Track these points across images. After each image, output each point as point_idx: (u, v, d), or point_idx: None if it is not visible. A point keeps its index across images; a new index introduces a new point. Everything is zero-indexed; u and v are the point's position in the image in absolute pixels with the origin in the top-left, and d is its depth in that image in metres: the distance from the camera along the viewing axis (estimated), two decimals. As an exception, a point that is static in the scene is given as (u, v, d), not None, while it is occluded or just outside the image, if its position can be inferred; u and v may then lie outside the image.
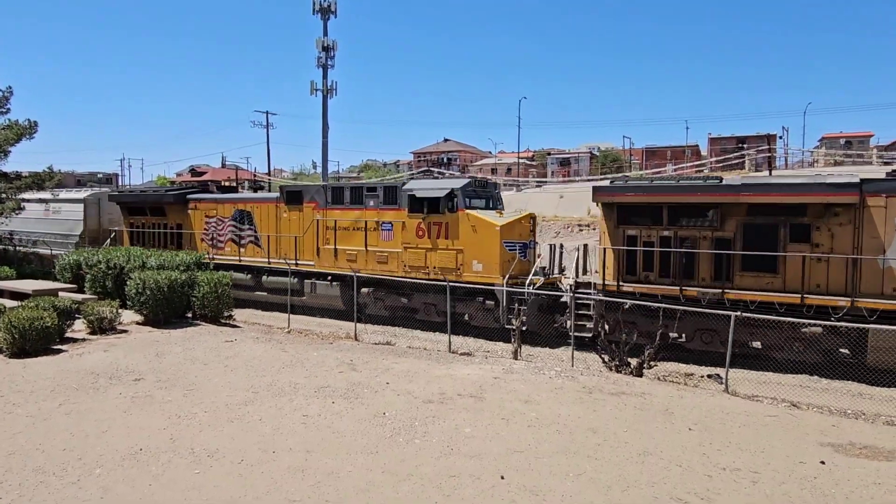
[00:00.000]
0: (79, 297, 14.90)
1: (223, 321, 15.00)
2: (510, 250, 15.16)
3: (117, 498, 5.75)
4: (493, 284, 14.84)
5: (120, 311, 13.70)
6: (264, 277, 18.95)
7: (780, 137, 66.63)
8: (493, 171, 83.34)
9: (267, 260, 19.08)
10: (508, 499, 5.77)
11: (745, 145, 62.80)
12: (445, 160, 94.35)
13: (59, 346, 11.80)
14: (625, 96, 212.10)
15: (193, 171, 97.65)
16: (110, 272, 16.21)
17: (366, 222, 17.07)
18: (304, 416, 8.03)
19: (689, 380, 11.40)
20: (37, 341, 11.20)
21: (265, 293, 19.04)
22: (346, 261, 17.25)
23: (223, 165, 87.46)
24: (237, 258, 19.96)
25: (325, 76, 40.60)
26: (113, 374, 9.94)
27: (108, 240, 23.12)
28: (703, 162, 59.75)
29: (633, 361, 11.08)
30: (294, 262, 17.99)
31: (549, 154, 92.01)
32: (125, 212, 23.18)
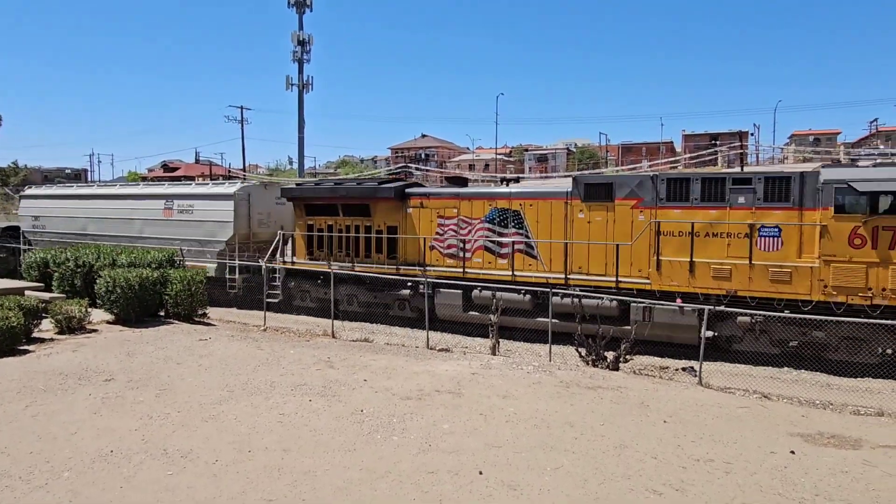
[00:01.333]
0: (46, 295, 14.51)
1: (197, 319, 14.75)
2: None
3: (86, 501, 5.60)
4: None
5: (89, 310, 13.38)
6: (556, 299, 13.13)
7: (752, 134, 68.07)
8: (471, 166, 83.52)
9: (548, 274, 14.37)
10: (486, 494, 5.78)
11: (717, 142, 63.97)
12: (423, 156, 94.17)
13: (25, 347, 11.47)
14: (601, 93, 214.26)
15: (166, 167, 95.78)
16: (79, 270, 15.82)
17: (729, 225, 12.69)
18: (280, 415, 7.93)
19: (664, 373, 11.57)
20: (1, 342, 10.87)
21: (552, 319, 12.91)
22: (712, 277, 12.71)
23: (197, 161, 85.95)
24: (496, 272, 15.13)
25: (300, 71, 40.21)
26: (82, 375, 9.70)
27: (276, 245, 17.93)
28: (678, 158, 60.69)
29: (610, 355, 11.20)
30: (614, 278, 13.62)
31: (526, 150, 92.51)
32: (301, 210, 17.99)
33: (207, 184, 21.36)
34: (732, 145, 53.00)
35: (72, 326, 12.79)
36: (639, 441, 7.17)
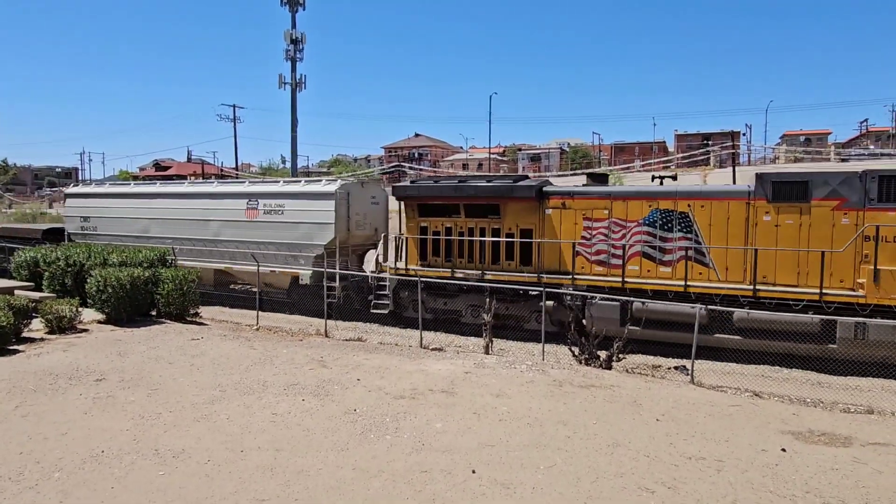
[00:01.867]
0: (36, 295, 14.40)
1: (189, 319, 14.68)
2: None
3: (77, 502, 5.56)
4: None
5: (80, 309, 13.28)
6: (741, 313, 12.10)
7: (744, 134, 68.44)
8: (465, 166, 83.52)
9: (724, 284, 12.90)
10: (480, 493, 5.79)
11: (709, 142, 64.31)
12: (417, 155, 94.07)
13: (15, 347, 11.37)
14: (594, 93, 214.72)
15: (157, 166, 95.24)
16: (70, 269, 15.69)
17: None
18: (273, 415, 7.90)
19: (657, 372, 11.62)
20: (-9, 342, 10.77)
21: (737, 336, 12.43)
22: None
23: (189, 159, 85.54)
24: (657, 281, 13.56)
25: (293, 69, 40.08)
26: (73, 375, 9.62)
27: (386, 249, 16.76)
28: (670, 158, 60.95)
29: (603, 354, 11.23)
30: (811, 290, 12.06)
31: (519, 150, 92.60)
32: (413, 211, 16.33)
33: (299, 181, 18.42)
34: (724, 145, 53.28)
35: (62, 326, 12.69)
36: (631, 439, 7.20)
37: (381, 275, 16.30)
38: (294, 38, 39.81)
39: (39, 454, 6.59)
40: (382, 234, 17.36)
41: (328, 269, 16.10)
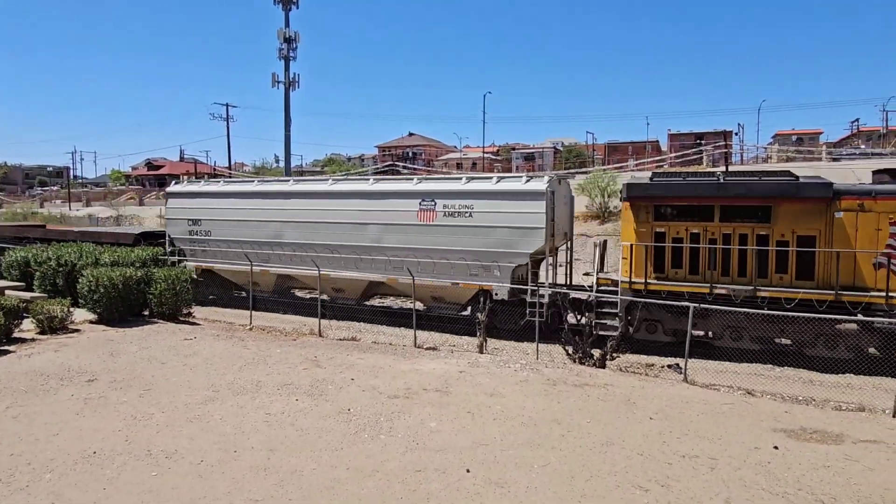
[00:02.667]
0: (27, 295, 14.30)
1: (182, 319, 14.61)
2: None
3: (69, 503, 5.52)
4: None
5: (72, 309, 13.19)
6: None
7: (736, 134, 68.81)
8: (459, 165, 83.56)
9: None
10: (474, 492, 5.79)
11: (702, 141, 64.61)
12: (410, 154, 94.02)
13: (5, 347, 11.28)
14: (588, 92, 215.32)
15: (150, 165, 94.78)
16: (61, 269, 15.59)
17: None
18: (266, 415, 7.88)
19: (650, 370, 11.66)
20: (-19, 342, 10.68)
21: None
22: None
23: (182, 159, 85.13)
24: None
25: (286, 68, 39.90)
26: (64, 376, 9.56)
27: (600, 259, 14.34)
28: (664, 157, 61.19)
29: (596, 353, 11.26)
30: None
31: (513, 149, 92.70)
32: (646, 213, 13.54)
33: (491, 177, 15.70)
34: (717, 144, 53.55)
35: (53, 326, 12.60)
36: (625, 438, 7.22)
37: (606, 289, 13.62)
38: (287, 36, 39.63)
39: (31, 455, 6.54)
40: (564, 241, 15.03)
41: (525, 284, 14.07)
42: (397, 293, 16.94)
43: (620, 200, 15.03)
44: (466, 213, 14.80)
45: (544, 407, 8.35)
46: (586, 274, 15.71)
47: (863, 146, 59.52)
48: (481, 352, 12.28)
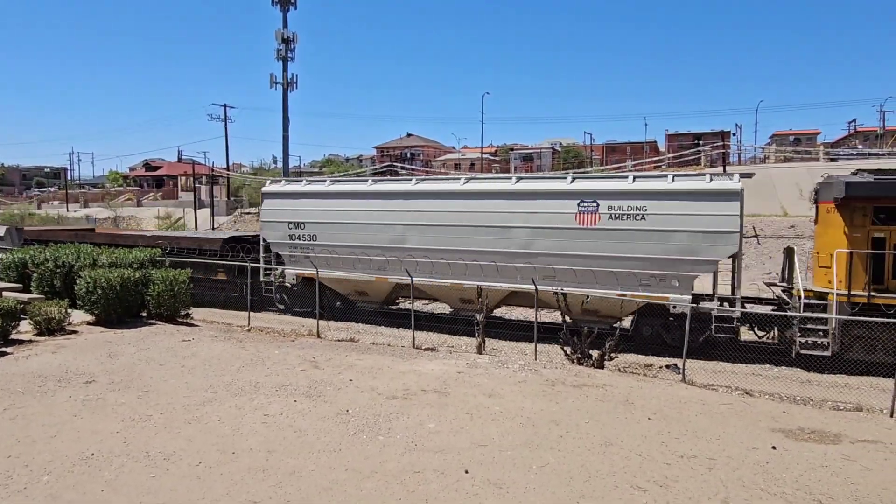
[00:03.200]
0: (24, 296, 14.24)
1: (180, 320, 14.58)
2: None
3: (67, 505, 5.51)
4: None
5: (69, 311, 13.15)
6: None
7: (734, 134, 68.89)
8: (457, 166, 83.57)
9: None
10: (472, 492, 5.79)
11: (700, 142, 64.70)
12: (409, 155, 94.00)
13: (2, 349, 11.24)
14: (585, 93, 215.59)
15: (148, 166, 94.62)
16: (59, 271, 15.55)
17: None
18: (265, 416, 7.87)
19: (648, 371, 11.67)
20: (-22, 344, 10.65)
21: None
22: None
23: (180, 160, 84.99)
24: None
25: (284, 69, 39.90)
26: (62, 377, 9.53)
27: (789, 264, 13.26)
28: (662, 157, 61.25)
29: (595, 354, 11.27)
30: None
31: (511, 149, 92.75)
32: (863, 215, 12.06)
33: (665, 176, 14.11)
34: (715, 145, 53.62)
35: (51, 328, 12.57)
36: (623, 438, 7.22)
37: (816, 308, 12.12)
38: (285, 37, 39.61)
39: (28, 457, 6.52)
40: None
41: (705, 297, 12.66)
42: (539, 304, 14.96)
43: (813, 202, 13.59)
44: (637, 215, 13.27)
45: (543, 407, 8.35)
46: (770, 284, 14.64)
47: (860, 146, 59.65)
48: (480, 352, 12.28)
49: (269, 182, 19.24)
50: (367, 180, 17.65)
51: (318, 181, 18.77)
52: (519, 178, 15.57)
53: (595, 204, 13.75)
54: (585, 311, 14.07)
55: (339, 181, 18.69)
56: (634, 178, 13.95)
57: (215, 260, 19.12)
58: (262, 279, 18.18)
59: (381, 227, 16.10)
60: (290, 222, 17.44)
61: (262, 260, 18.14)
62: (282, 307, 18.33)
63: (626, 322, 14.41)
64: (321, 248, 16.88)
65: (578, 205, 13.88)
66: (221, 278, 19.07)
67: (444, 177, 17.60)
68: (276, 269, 17.78)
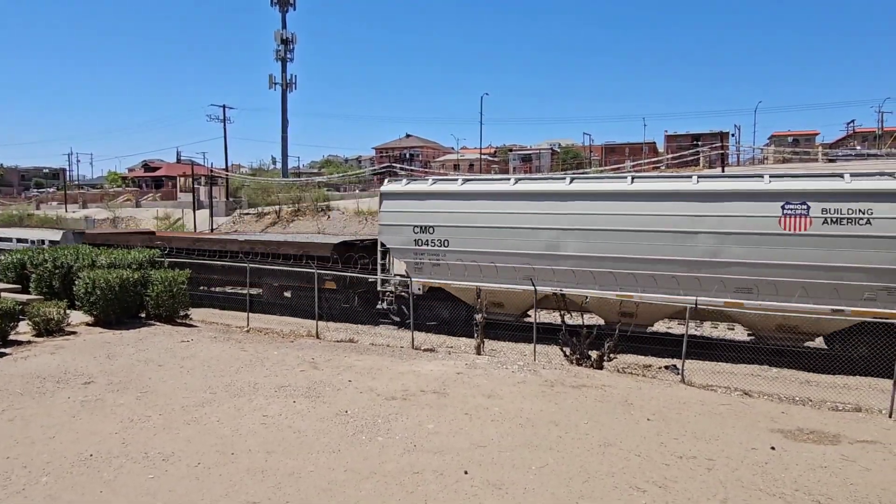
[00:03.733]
0: (23, 297, 14.22)
1: (179, 321, 14.57)
2: None
3: (65, 506, 5.50)
4: None
5: (68, 311, 13.13)
6: None
7: (733, 135, 69.01)
8: (456, 166, 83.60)
9: None
10: (472, 493, 5.78)
11: (699, 142, 64.79)
12: (408, 156, 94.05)
13: (1, 350, 11.23)
14: (585, 94, 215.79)
15: (146, 166, 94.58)
16: (57, 271, 15.53)
17: None
18: (264, 417, 7.86)
19: (648, 371, 11.67)
20: (-23, 345, 10.63)
21: None
22: None
23: (178, 160, 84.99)
24: None
25: (283, 70, 39.96)
26: (61, 378, 9.52)
27: None
28: (661, 158, 61.31)
29: (594, 354, 11.26)
30: None
31: (510, 150, 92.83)
32: None
33: (893, 174, 12.35)
34: (714, 146, 53.66)
35: (50, 328, 12.56)
36: (623, 439, 7.23)
37: None
38: (284, 38, 39.69)
39: (27, 458, 6.51)
40: None
41: None
42: (717, 318, 14.00)
43: None
44: (861, 219, 11.78)
45: (542, 408, 8.35)
46: None
47: (858, 147, 59.74)
48: (479, 353, 12.28)
49: (386, 181, 17.43)
50: (509, 179, 15.98)
51: (446, 180, 17.20)
52: (700, 178, 13.81)
53: (805, 206, 12.23)
54: (778, 328, 12.63)
55: (471, 180, 16.65)
56: (851, 176, 12.44)
57: (324, 269, 16.41)
58: (378, 288, 16.38)
59: (528, 232, 14.41)
60: (416, 226, 15.71)
61: (379, 267, 16.42)
62: (397, 319, 16.38)
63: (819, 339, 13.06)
64: (454, 254, 15.15)
65: (783, 207, 12.38)
66: (330, 287, 16.67)
67: (603, 176, 14.96)
68: (405, 277, 15.69)
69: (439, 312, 13.92)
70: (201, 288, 18.62)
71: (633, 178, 14.31)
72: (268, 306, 18.33)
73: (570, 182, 14.78)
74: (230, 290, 20.18)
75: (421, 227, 15.63)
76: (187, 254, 19.46)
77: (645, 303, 12.94)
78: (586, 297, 13.84)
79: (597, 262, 13.74)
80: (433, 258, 15.47)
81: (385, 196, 16.61)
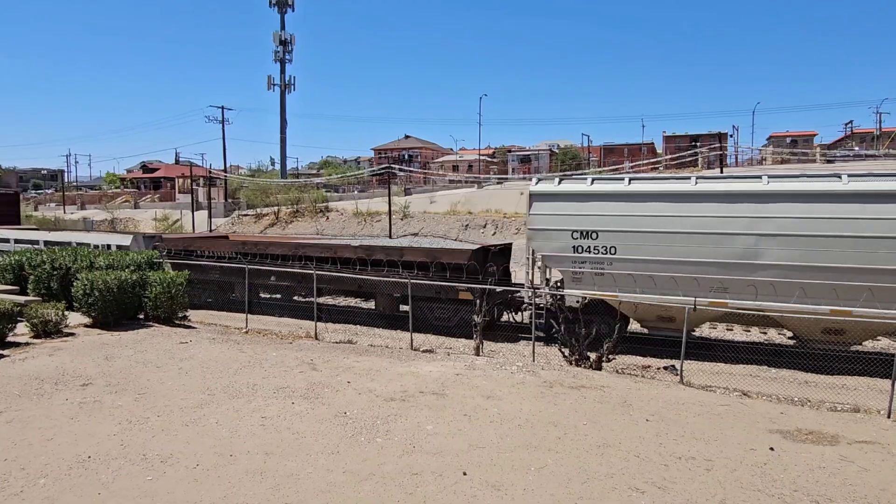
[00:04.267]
0: (21, 299, 14.19)
1: (177, 322, 14.55)
2: None
3: (63, 509, 5.49)
4: None
5: (66, 313, 13.10)
6: None
7: (731, 136, 69.10)
8: (455, 167, 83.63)
9: None
10: (471, 494, 5.78)
11: (698, 143, 64.88)
12: (407, 157, 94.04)
13: (-1, 351, 11.21)
14: (583, 95, 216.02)
15: (145, 168, 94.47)
16: (55, 273, 15.51)
17: None
18: (262, 418, 7.85)
19: (646, 372, 11.67)
20: (-25, 346, 10.60)
21: None
22: None
23: (177, 161, 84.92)
24: None
25: (282, 71, 39.95)
26: (59, 380, 9.50)
27: None
28: (659, 159, 61.38)
29: (593, 355, 11.27)
30: None
31: (509, 151, 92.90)
32: None
33: None
34: (712, 146, 53.73)
35: (48, 330, 12.53)
36: (622, 440, 7.22)
37: None
38: (283, 39, 39.70)
39: (24, 460, 6.49)
40: None
41: None
42: None
43: None
44: None
45: (541, 409, 8.35)
46: None
47: (856, 148, 59.85)
48: (478, 354, 12.28)
49: (535, 181, 15.41)
50: (689, 178, 13.93)
51: (610, 179, 15.55)
52: None
53: None
54: None
55: (639, 179, 14.70)
56: None
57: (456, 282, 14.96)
58: (527, 300, 14.95)
59: (718, 239, 12.69)
60: (575, 230, 13.93)
61: (531, 276, 14.89)
62: (542, 335, 14.38)
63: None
64: (622, 263, 13.47)
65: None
66: (466, 298, 14.92)
67: (806, 174, 13.44)
68: (568, 291, 14.19)
69: (597, 328, 12.04)
70: (306, 298, 16.14)
71: (848, 177, 12.24)
72: (267, 307, 18.32)
73: (767, 182, 12.74)
74: (342, 303, 18.59)
75: (582, 232, 13.87)
76: (282, 261, 17.37)
77: (864, 320, 11.42)
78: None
79: (805, 272, 12.07)
80: (597, 266, 13.76)
81: (536, 197, 14.60)
